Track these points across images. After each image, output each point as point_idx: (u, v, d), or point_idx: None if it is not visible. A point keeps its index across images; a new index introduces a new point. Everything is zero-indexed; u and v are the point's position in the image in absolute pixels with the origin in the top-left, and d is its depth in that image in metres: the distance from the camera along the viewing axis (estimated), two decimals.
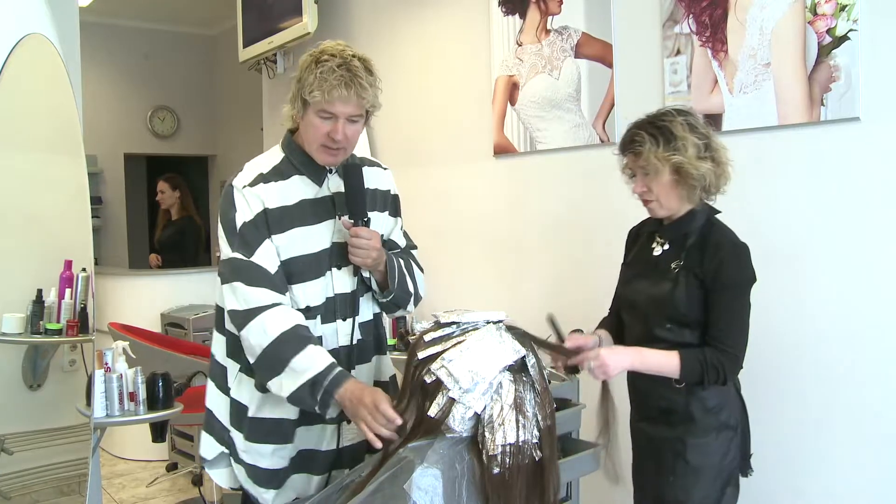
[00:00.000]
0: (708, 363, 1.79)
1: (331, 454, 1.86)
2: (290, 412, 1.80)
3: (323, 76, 1.66)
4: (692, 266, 1.85)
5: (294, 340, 1.68)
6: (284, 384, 1.66)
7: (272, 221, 1.74)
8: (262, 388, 1.77)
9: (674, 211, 1.90)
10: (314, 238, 1.79)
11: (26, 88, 2.55)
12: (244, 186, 1.76)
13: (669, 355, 1.81)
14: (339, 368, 1.67)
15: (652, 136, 1.84)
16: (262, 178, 1.78)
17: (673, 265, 1.89)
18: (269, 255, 1.73)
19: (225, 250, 1.76)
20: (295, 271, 1.76)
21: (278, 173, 1.80)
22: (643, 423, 2.00)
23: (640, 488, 2.02)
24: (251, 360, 1.73)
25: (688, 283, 1.84)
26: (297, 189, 1.80)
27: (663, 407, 1.92)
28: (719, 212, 1.93)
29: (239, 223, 1.73)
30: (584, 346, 1.86)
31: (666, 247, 1.94)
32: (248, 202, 1.74)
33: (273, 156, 1.84)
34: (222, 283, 1.76)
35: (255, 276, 1.71)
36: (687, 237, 1.89)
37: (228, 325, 1.81)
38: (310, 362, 1.66)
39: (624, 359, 1.82)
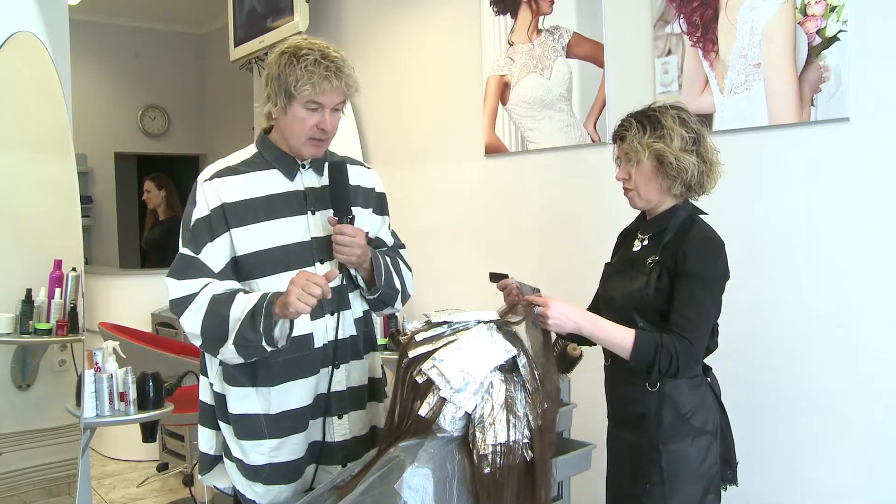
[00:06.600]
0: (663, 347, 1.71)
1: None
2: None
3: (309, 69, 1.69)
4: (667, 261, 1.82)
5: (224, 298, 1.70)
6: (230, 339, 1.67)
7: (230, 215, 1.76)
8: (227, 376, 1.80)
9: (652, 203, 1.89)
10: (284, 231, 1.79)
11: (15, 86, 2.54)
12: (205, 181, 1.79)
13: (625, 330, 1.75)
14: (272, 293, 1.69)
15: (639, 123, 1.84)
16: (228, 171, 1.81)
17: (649, 261, 1.86)
18: (215, 253, 1.75)
19: (180, 243, 1.80)
20: (265, 263, 1.77)
21: (247, 166, 1.83)
22: (619, 429, 1.95)
23: (614, 496, 1.97)
24: (198, 343, 1.75)
25: (661, 279, 1.81)
26: (267, 183, 1.82)
27: (637, 412, 1.86)
28: (704, 213, 1.91)
29: (194, 219, 1.77)
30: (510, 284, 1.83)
31: (645, 242, 1.92)
32: (207, 197, 1.77)
33: (245, 152, 1.88)
34: (167, 275, 1.78)
35: (196, 272, 1.74)
36: (665, 233, 1.86)
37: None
38: (244, 302, 1.68)
39: (572, 314, 1.73)
